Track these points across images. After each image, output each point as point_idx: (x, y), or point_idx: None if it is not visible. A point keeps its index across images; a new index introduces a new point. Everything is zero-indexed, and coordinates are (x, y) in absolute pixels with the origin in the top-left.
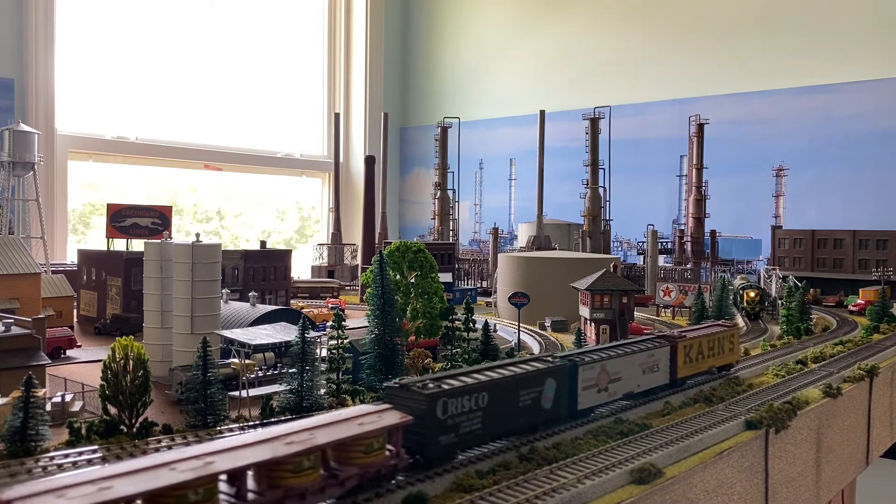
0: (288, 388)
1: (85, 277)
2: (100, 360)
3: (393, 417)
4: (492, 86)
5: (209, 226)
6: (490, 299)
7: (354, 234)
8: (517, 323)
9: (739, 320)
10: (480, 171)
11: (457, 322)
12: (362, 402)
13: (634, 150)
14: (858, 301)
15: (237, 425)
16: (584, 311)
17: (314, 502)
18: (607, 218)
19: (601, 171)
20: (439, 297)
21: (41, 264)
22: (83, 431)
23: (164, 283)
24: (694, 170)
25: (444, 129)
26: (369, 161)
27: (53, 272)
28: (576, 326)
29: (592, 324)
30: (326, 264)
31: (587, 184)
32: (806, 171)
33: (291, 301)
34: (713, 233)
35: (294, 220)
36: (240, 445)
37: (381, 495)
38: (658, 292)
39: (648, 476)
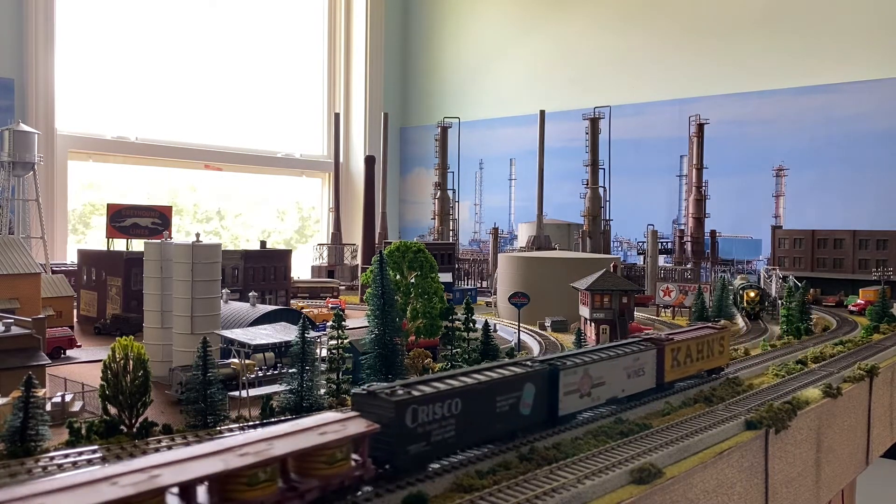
0: (288, 388)
1: (85, 277)
2: (100, 360)
3: (358, 426)
4: (492, 86)
5: (209, 226)
6: (490, 299)
7: (354, 234)
8: (517, 323)
9: (739, 320)
10: (480, 171)
11: (457, 322)
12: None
13: (634, 150)
14: (858, 301)
15: (237, 425)
16: (584, 311)
17: None
18: (607, 218)
19: (601, 171)
20: (439, 297)
21: (41, 264)
22: (83, 431)
23: (164, 283)
24: (694, 170)
25: (444, 129)
26: (369, 161)
27: (53, 272)
28: (576, 326)
29: (592, 324)
30: (326, 264)
31: (587, 184)
32: (806, 171)
33: (291, 301)
34: (713, 233)
35: (294, 220)
36: (190, 457)
37: (380, 495)
38: (658, 292)
39: (648, 476)
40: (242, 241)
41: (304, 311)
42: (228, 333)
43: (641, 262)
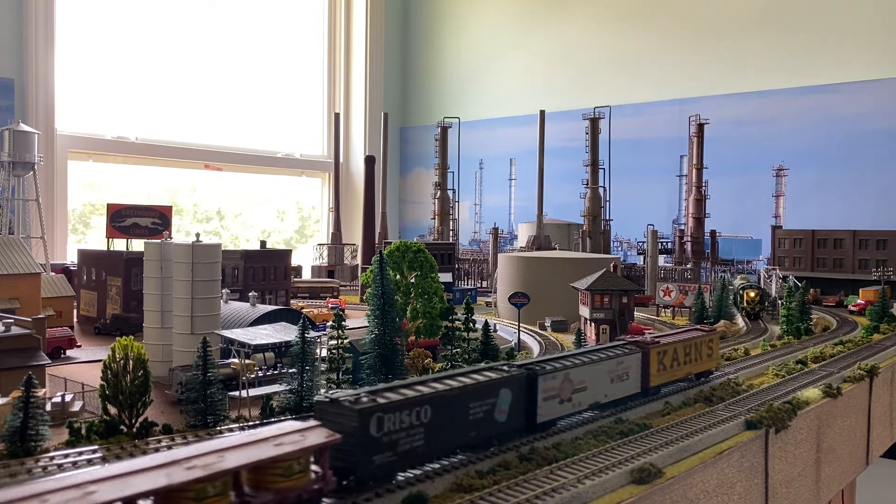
0: (288, 388)
1: (85, 277)
2: (100, 360)
3: (318, 436)
4: (492, 86)
5: (209, 226)
6: (490, 299)
7: (354, 234)
8: (517, 323)
9: (739, 320)
10: (480, 171)
11: (457, 322)
12: None
13: (634, 150)
14: (858, 301)
15: (237, 425)
16: (584, 311)
17: None
18: (607, 218)
19: (601, 171)
20: (439, 297)
21: (41, 264)
22: (83, 431)
23: (164, 283)
24: (694, 170)
25: (444, 129)
26: (369, 161)
27: (54, 272)
28: (576, 326)
29: (592, 324)
30: (326, 264)
31: (587, 184)
32: (806, 171)
33: (291, 301)
34: (713, 233)
35: (294, 220)
36: (131, 471)
37: (380, 495)
38: (658, 292)
39: (648, 476)
40: (242, 241)
41: (304, 311)
42: (228, 333)
43: (641, 262)
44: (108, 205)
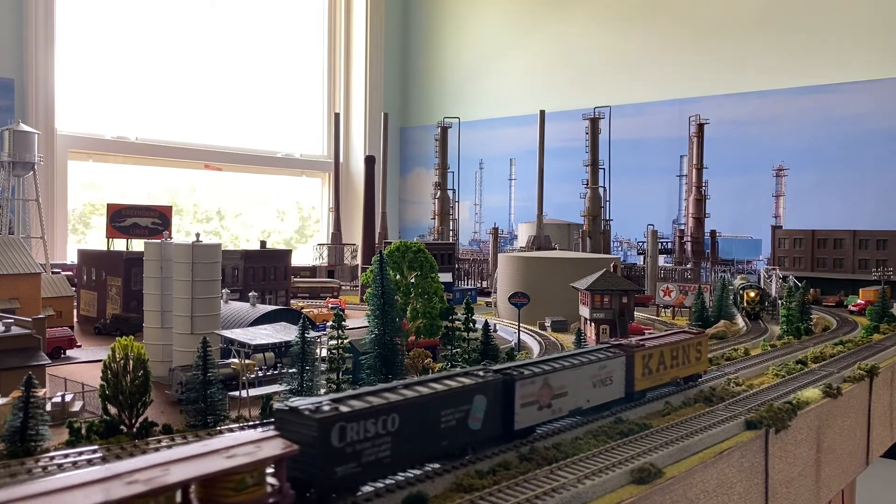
0: (288, 388)
1: (85, 277)
2: (100, 360)
3: (274, 448)
4: (492, 86)
5: (209, 226)
6: (490, 299)
7: (354, 234)
8: (517, 323)
9: (739, 320)
10: (480, 171)
11: (457, 322)
12: None
13: (634, 150)
14: (858, 301)
15: (237, 425)
16: (584, 311)
17: None
18: (607, 218)
19: (601, 171)
20: (439, 297)
21: (41, 264)
22: (83, 431)
23: (164, 283)
24: (694, 170)
25: (444, 129)
26: (369, 161)
27: (54, 272)
28: (576, 326)
29: (592, 324)
30: (326, 264)
31: (587, 184)
32: (806, 171)
33: (291, 301)
34: (713, 233)
35: (294, 220)
36: (66, 487)
37: (380, 495)
38: (658, 292)
39: (648, 476)
40: (242, 241)
41: (304, 311)
42: (228, 333)
43: (641, 262)
44: (108, 205)
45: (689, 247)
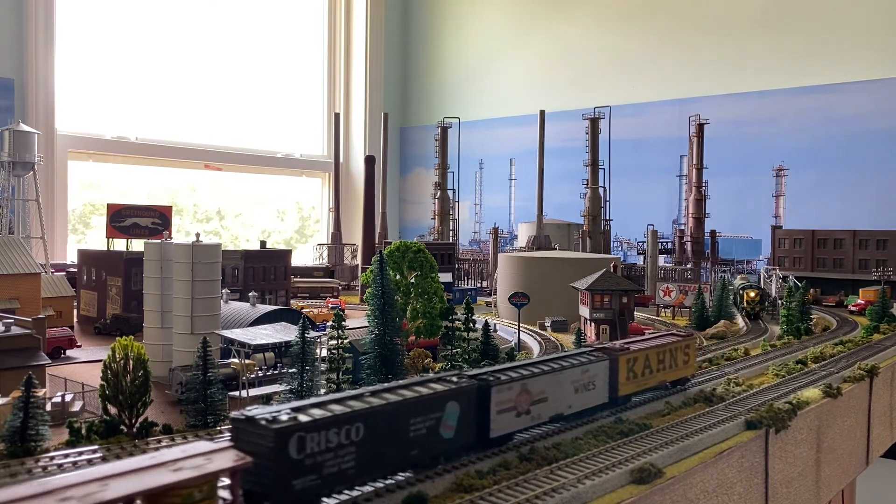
0: (288, 388)
1: (85, 277)
2: (100, 360)
3: (225, 460)
4: (492, 86)
5: (209, 226)
6: (490, 299)
7: (354, 234)
8: (517, 323)
9: (739, 320)
10: (480, 171)
11: (457, 322)
12: None
13: (634, 150)
14: (858, 301)
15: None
16: (584, 311)
17: None
18: (607, 218)
19: (601, 171)
20: (439, 297)
21: (41, 264)
22: (83, 431)
23: (164, 283)
24: (694, 170)
25: (444, 129)
26: (369, 161)
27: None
28: (576, 326)
29: (592, 324)
30: (326, 264)
31: (587, 184)
32: (806, 171)
33: (291, 301)
34: (713, 233)
35: (294, 220)
36: None
37: (380, 495)
38: (658, 292)
39: (648, 476)
40: (242, 241)
41: (304, 311)
42: (228, 333)
43: (641, 262)
44: (108, 205)
45: (689, 247)
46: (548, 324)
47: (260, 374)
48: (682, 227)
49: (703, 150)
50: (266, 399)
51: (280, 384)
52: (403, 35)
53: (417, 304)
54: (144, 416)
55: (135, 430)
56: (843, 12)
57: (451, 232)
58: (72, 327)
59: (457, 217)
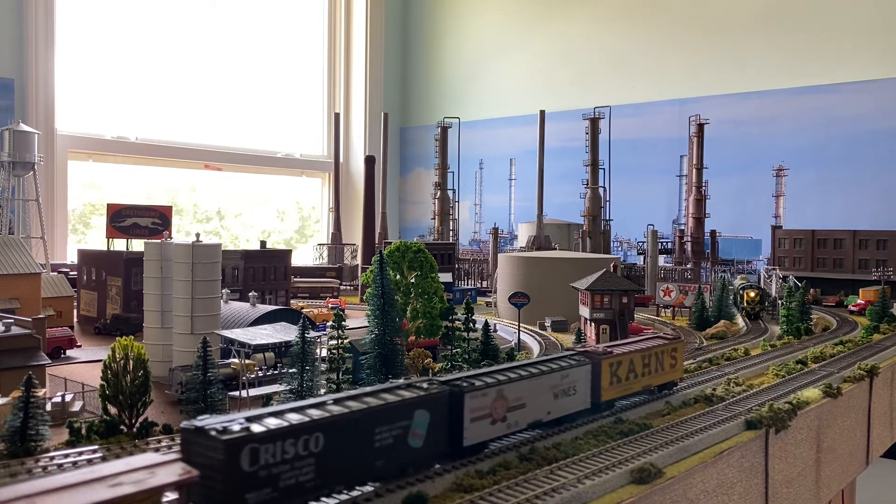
0: (288, 388)
1: (85, 277)
2: (100, 360)
3: (170, 474)
4: (492, 86)
5: (209, 226)
6: (490, 299)
7: (354, 234)
8: (517, 323)
9: (739, 320)
10: (480, 171)
11: (457, 322)
12: None
13: (634, 150)
14: (858, 301)
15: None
16: (584, 311)
17: None
18: (607, 218)
19: (601, 171)
20: (439, 297)
21: (41, 264)
22: (83, 431)
23: (164, 283)
24: (694, 170)
25: (444, 129)
26: (369, 161)
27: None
28: (576, 326)
29: (592, 324)
30: (326, 264)
31: (587, 184)
32: (806, 171)
33: (291, 301)
34: (713, 233)
35: (294, 220)
36: None
37: (380, 495)
38: (658, 292)
39: (648, 476)
40: (242, 241)
41: (304, 311)
42: (228, 333)
43: (641, 262)
44: (108, 205)
45: (689, 247)
46: (548, 324)
47: (260, 374)
48: (682, 227)
49: (703, 150)
50: (266, 399)
51: (280, 384)
52: (403, 35)
53: (417, 304)
54: (144, 416)
55: (135, 430)
56: (843, 12)
57: (451, 232)
58: (72, 327)
59: (457, 217)
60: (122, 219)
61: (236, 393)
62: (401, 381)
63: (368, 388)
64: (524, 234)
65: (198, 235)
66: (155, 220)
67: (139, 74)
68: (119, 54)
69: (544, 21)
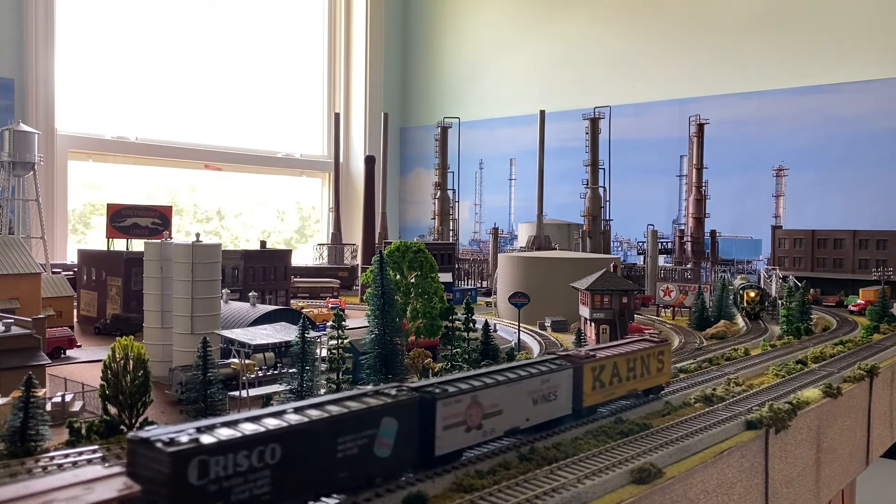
0: (288, 388)
1: (85, 277)
2: (100, 360)
3: (108, 489)
4: (492, 86)
5: (209, 226)
6: (490, 299)
7: (354, 234)
8: (517, 323)
9: (739, 320)
10: (480, 171)
11: (457, 322)
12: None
13: (634, 150)
14: (858, 301)
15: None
16: (584, 311)
17: None
18: (607, 218)
19: (601, 171)
20: (439, 297)
21: (41, 264)
22: (83, 431)
23: (164, 283)
24: (694, 170)
25: (444, 129)
26: (369, 161)
27: (55, 271)
28: (576, 326)
29: (592, 324)
30: (327, 264)
31: (587, 184)
32: (806, 171)
33: (291, 301)
34: (713, 233)
35: (294, 220)
36: None
37: (380, 495)
38: (658, 292)
39: (648, 476)
40: (242, 241)
41: (304, 311)
42: (228, 333)
43: (641, 262)
44: (108, 205)
45: (689, 247)
46: (548, 324)
47: (260, 374)
48: (682, 227)
49: (703, 150)
50: (266, 399)
51: (280, 384)
52: (403, 35)
53: (417, 304)
54: (144, 417)
55: (135, 430)
56: (843, 12)
57: (451, 232)
58: (72, 327)
59: (457, 217)
60: (122, 219)
61: (236, 393)
62: (368, 387)
63: (333, 396)
64: (524, 234)
65: (198, 235)
66: (155, 220)
67: (139, 74)
68: (119, 54)
69: (544, 21)
